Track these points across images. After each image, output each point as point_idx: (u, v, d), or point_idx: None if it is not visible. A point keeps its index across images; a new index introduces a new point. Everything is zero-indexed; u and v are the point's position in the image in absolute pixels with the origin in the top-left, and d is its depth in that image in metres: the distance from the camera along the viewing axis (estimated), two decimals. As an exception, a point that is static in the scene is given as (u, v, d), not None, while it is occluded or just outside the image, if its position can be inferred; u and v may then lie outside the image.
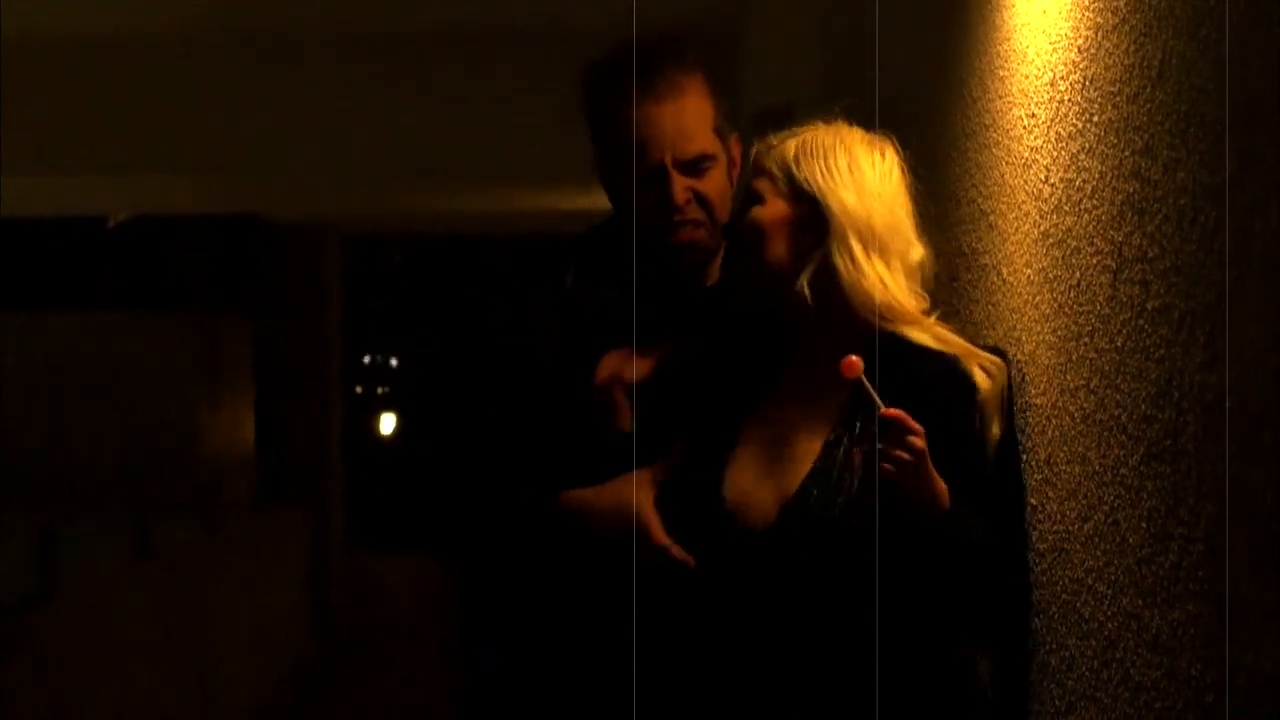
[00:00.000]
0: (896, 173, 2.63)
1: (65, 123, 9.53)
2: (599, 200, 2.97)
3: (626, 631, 2.65)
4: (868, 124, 2.69)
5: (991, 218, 2.82)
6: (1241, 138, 1.71)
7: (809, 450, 2.56)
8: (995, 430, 2.54)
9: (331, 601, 14.03)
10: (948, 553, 2.43)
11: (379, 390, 21.84)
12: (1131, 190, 2.05)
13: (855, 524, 2.46)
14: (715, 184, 2.83)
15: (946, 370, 2.52)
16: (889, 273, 2.55)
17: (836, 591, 2.49)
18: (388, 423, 19.61)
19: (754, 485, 2.58)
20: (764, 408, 2.65)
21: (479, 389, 2.92)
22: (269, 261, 14.50)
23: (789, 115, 6.03)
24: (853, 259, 2.53)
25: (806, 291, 2.54)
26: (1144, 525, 2.02)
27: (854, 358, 2.38)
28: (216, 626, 10.21)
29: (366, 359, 22.31)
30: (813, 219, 2.57)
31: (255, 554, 11.75)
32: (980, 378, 2.52)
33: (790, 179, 2.59)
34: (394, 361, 21.97)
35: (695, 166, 2.80)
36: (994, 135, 2.80)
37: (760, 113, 6.48)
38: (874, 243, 2.55)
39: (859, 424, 2.53)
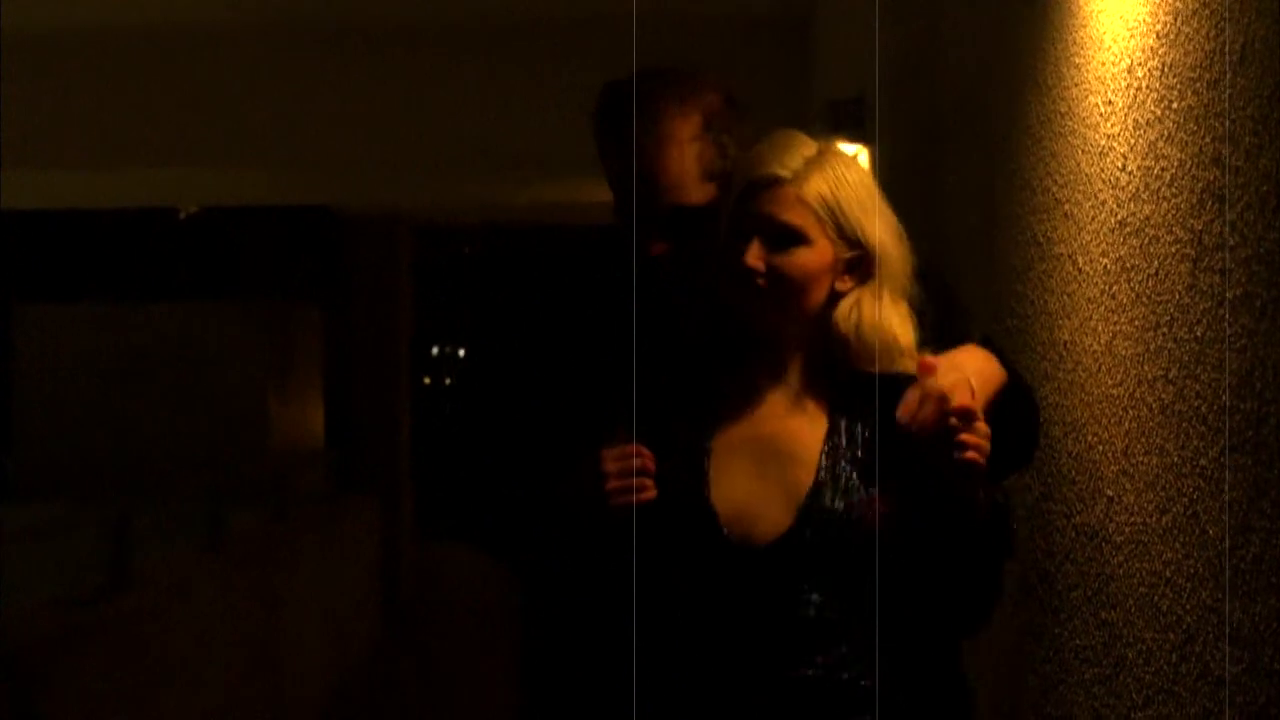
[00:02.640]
0: None
1: (138, 116, 9.60)
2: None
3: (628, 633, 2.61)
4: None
5: (1067, 206, 2.79)
6: (1326, 123, 1.68)
7: (807, 457, 2.54)
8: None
9: (401, 591, 14.09)
10: (991, 532, 2.48)
11: (447, 381, 21.92)
12: (1212, 178, 2.02)
13: (871, 524, 2.48)
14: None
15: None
16: (906, 312, 2.59)
17: (855, 595, 2.49)
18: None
19: (751, 496, 2.54)
20: (733, 420, 2.60)
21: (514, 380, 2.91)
22: (339, 253, 14.59)
23: (860, 106, 6.02)
24: (885, 302, 2.56)
25: (845, 332, 2.56)
26: (1224, 518, 1.99)
27: (930, 358, 2.47)
28: (287, 616, 10.27)
29: (435, 350, 22.41)
30: (853, 261, 2.56)
31: (325, 544, 11.81)
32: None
33: (837, 223, 2.54)
34: (462, 353, 22.04)
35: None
36: (1069, 123, 2.77)
37: (831, 103, 6.46)
38: (899, 284, 2.59)
39: (855, 429, 2.55)
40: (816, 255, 2.54)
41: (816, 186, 2.54)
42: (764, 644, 2.47)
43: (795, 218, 2.53)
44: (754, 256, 2.51)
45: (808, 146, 2.58)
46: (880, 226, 2.57)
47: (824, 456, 2.54)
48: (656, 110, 2.74)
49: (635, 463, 2.53)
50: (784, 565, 2.49)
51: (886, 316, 2.55)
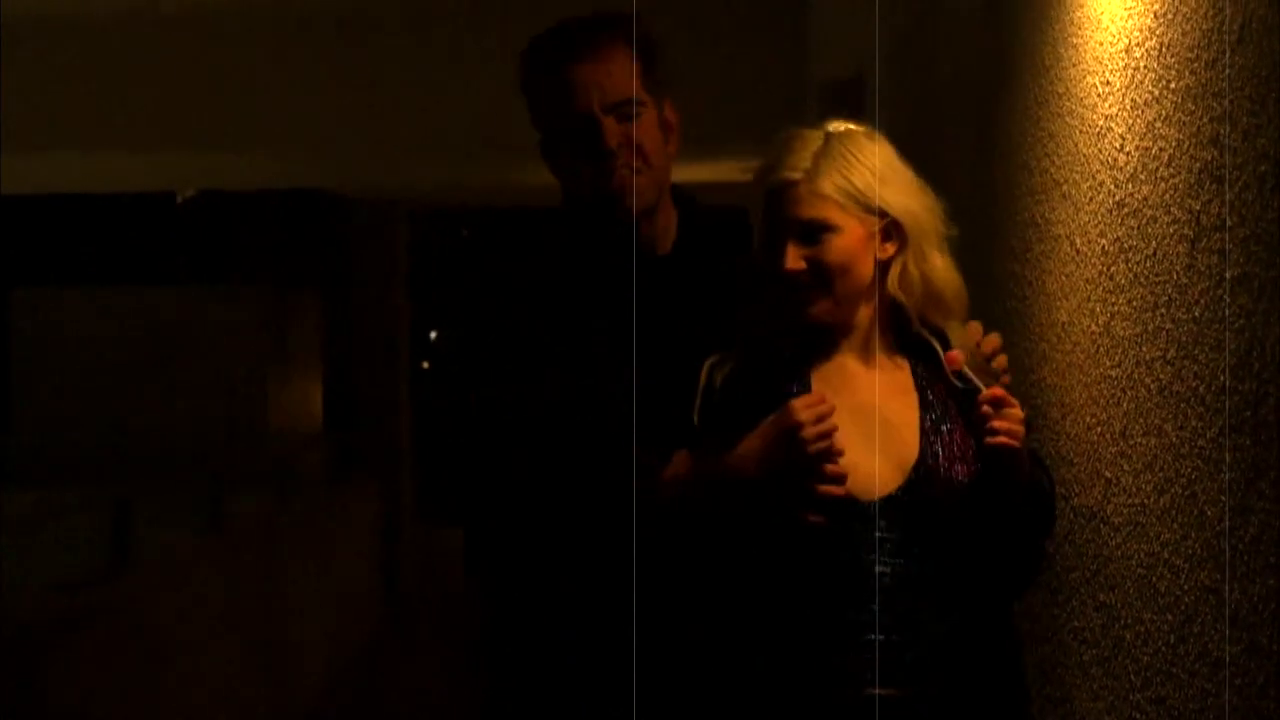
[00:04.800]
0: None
1: (135, 100, 9.59)
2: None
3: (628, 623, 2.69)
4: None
5: (1065, 187, 2.79)
6: (1324, 103, 1.68)
7: (907, 424, 2.64)
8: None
9: (401, 574, 14.10)
10: (1039, 504, 2.64)
11: (425, 365, 21.87)
12: (1210, 158, 2.02)
13: (964, 491, 2.60)
14: (647, 131, 2.88)
15: None
16: (949, 262, 2.70)
17: (944, 555, 2.60)
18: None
19: (861, 457, 2.61)
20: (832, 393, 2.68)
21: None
22: (337, 237, 14.57)
23: (858, 86, 6.01)
24: (926, 257, 2.67)
25: (901, 297, 2.67)
26: (1223, 498, 1.99)
27: (956, 353, 2.61)
28: (287, 599, 10.27)
29: (433, 334, 22.37)
30: (886, 230, 2.66)
31: (325, 527, 11.81)
32: None
33: (857, 203, 2.64)
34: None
35: (623, 112, 2.85)
36: (1067, 104, 2.77)
37: (828, 84, 6.46)
38: (934, 238, 2.69)
39: (945, 401, 2.66)
40: (847, 238, 2.64)
41: (828, 177, 2.64)
42: (848, 600, 2.57)
43: (816, 212, 2.63)
44: (792, 259, 2.63)
45: (813, 140, 2.68)
46: (900, 190, 2.67)
47: (923, 419, 2.64)
48: (588, 32, 2.89)
49: (822, 408, 2.58)
50: (884, 524, 2.59)
51: (932, 269, 2.68)
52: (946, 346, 2.66)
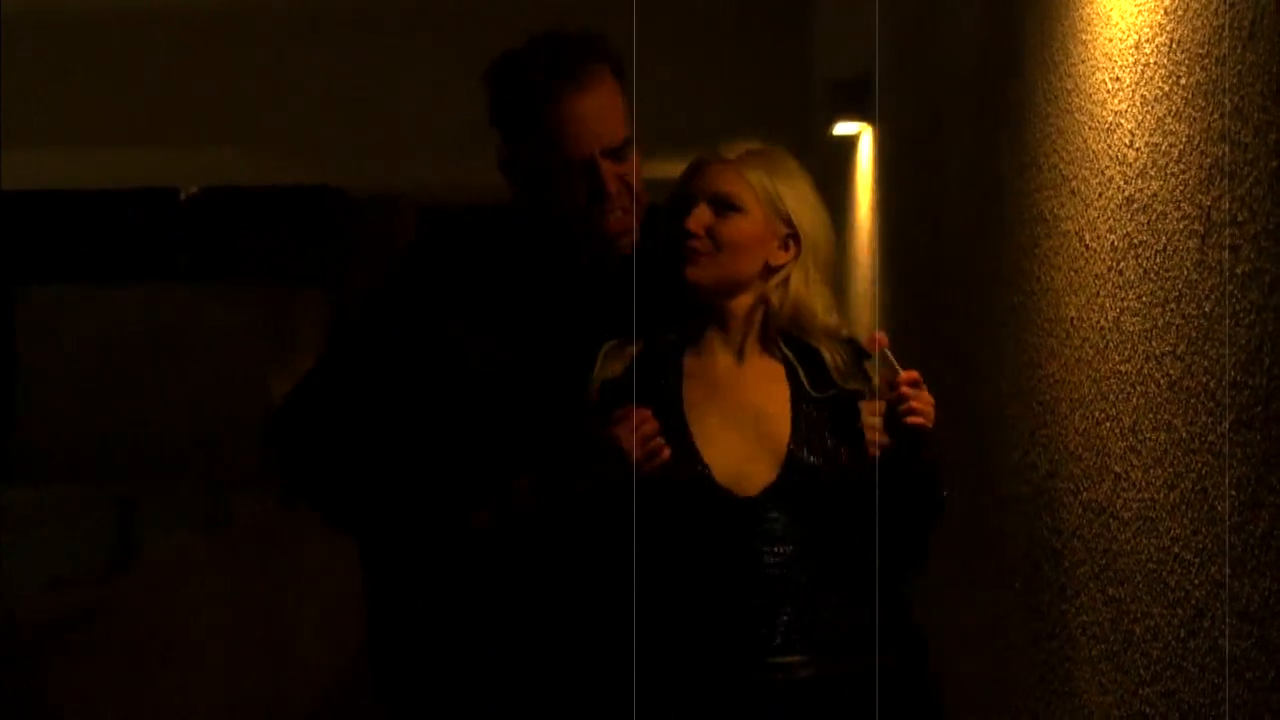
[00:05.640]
0: None
1: (138, 96, 9.59)
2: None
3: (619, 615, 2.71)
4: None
5: (1073, 183, 2.79)
6: (1336, 98, 1.68)
7: (778, 414, 2.77)
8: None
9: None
10: (931, 483, 2.77)
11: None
12: (1220, 154, 2.02)
13: (843, 475, 2.74)
14: (635, 168, 2.89)
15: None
16: (830, 296, 2.86)
17: (829, 541, 2.73)
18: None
19: (732, 449, 2.74)
20: (696, 380, 2.81)
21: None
22: (342, 233, 14.55)
23: (863, 86, 6.01)
24: (807, 280, 2.82)
25: (774, 300, 2.81)
26: (1234, 493, 1.99)
27: (881, 334, 2.74)
28: (291, 599, 10.27)
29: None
30: (785, 240, 2.82)
31: (329, 528, 11.79)
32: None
33: (772, 202, 2.80)
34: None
35: (619, 153, 2.85)
36: (1076, 99, 2.77)
37: (833, 83, 6.45)
38: (826, 272, 2.86)
39: (807, 388, 2.79)
40: (750, 224, 2.79)
41: (756, 168, 2.80)
42: (745, 590, 2.68)
43: (733, 188, 2.79)
44: (695, 221, 2.77)
45: (754, 143, 2.85)
46: (813, 217, 2.84)
47: (794, 413, 2.76)
48: (577, 56, 2.86)
49: (647, 427, 2.68)
50: (770, 515, 2.71)
51: (812, 294, 2.82)
52: (814, 361, 2.80)
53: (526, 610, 2.87)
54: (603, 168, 2.82)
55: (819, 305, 2.83)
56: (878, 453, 2.72)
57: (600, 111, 2.83)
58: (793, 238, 2.81)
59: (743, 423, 2.76)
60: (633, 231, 2.88)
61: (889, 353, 2.73)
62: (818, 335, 2.83)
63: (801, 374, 2.79)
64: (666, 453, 2.69)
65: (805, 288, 2.82)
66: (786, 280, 2.81)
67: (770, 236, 2.80)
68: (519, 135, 2.90)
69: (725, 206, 2.78)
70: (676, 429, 2.73)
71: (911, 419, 2.68)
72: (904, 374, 2.70)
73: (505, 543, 2.82)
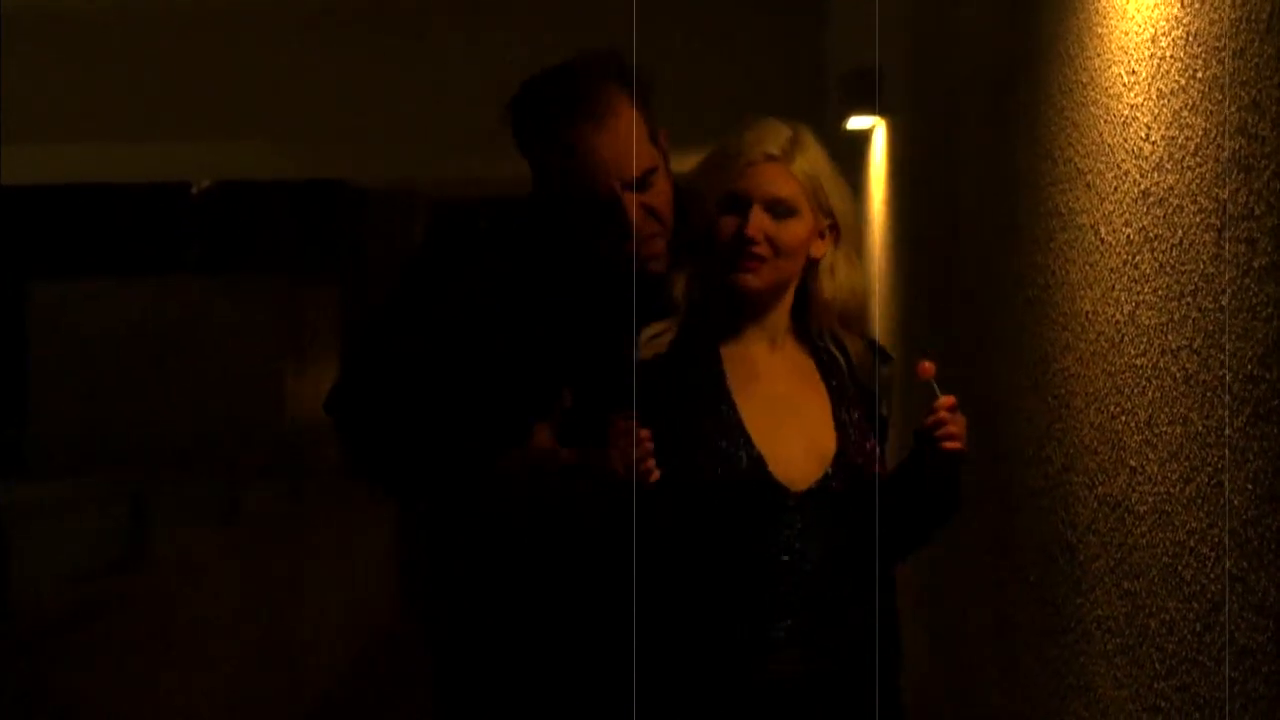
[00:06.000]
0: None
1: (150, 90, 9.59)
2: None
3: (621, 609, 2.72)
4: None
5: (1089, 177, 2.78)
6: (1355, 90, 1.67)
7: (816, 408, 2.80)
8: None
9: (417, 567, 14.10)
10: (954, 492, 2.85)
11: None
12: (1237, 146, 2.01)
13: (874, 484, 2.78)
14: (662, 192, 2.88)
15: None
16: (865, 270, 2.96)
17: (852, 542, 2.76)
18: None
19: (781, 446, 2.75)
20: (743, 381, 2.81)
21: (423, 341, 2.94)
22: (354, 227, 14.56)
23: (876, 78, 6.00)
24: (853, 267, 2.87)
25: (828, 294, 2.84)
26: (1250, 487, 1.99)
27: (929, 363, 2.74)
28: (302, 592, 10.29)
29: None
30: (825, 229, 2.83)
31: (341, 521, 11.82)
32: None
33: (816, 196, 2.80)
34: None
35: (642, 182, 2.83)
36: (1091, 93, 2.77)
37: (847, 75, 6.45)
38: (856, 244, 2.90)
39: (849, 396, 2.83)
40: (804, 226, 2.79)
41: (801, 164, 2.79)
42: (761, 584, 2.70)
43: (789, 192, 2.78)
44: (754, 228, 2.74)
45: (786, 129, 2.82)
46: (842, 195, 2.85)
47: (837, 414, 2.80)
48: (595, 84, 2.85)
49: (643, 447, 2.67)
50: (809, 510, 2.73)
51: (854, 275, 2.87)
52: (847, 357, 2.84)
53: (528, 609, 2.88)
54: (624, 200, 2.81)
55: (860, 288, 2.87)
56: (958, 446, 2.74)
57: (617, 145, 2.81)
58: (832, 228, 2.82)
59: (783, 412, 2.78)
60: (662, 256, 2.87)
61: (934, 382, 2.76)
62: (866, 322, 2.89)
63: (843, 363, 2.83)
64: (656, 475, 2.68)
65: (855, 274, 2.85)
66: (833, 269, 2.84)
67: (815, 233, 2.81)
68: (541, 170, 2.92)
69: (783, 211, 2.77)
70: (727, 416, 2.75)
71: (949, 445, 2.73)
72: (942, 399, 2.73)
73: (526, 494, 2.81)
